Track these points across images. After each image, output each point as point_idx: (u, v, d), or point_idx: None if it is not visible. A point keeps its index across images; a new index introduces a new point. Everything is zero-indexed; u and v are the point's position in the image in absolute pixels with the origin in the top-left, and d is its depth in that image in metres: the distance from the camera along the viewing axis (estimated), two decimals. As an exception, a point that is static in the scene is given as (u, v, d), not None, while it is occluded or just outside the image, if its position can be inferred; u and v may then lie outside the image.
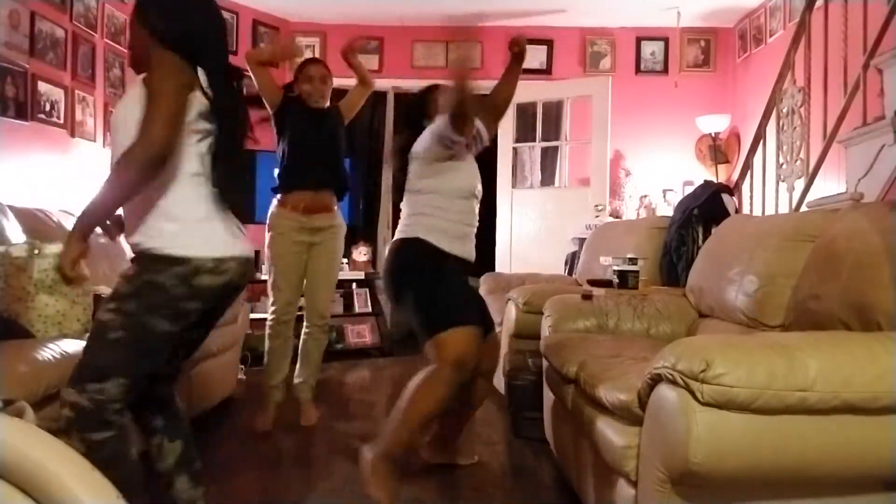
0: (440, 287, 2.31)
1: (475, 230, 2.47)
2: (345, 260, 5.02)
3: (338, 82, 5.90)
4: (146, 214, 1.61)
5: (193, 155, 1.65)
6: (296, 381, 3.20)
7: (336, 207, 3.18)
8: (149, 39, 1.65)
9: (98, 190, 1.58)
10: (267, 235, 3.12)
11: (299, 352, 3.21)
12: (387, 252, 2.50)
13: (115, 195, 1.58)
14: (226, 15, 5.29)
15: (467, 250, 2.43)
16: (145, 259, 1.60)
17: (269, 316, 3.13)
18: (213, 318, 1.78)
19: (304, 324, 3.22)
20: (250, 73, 3.02)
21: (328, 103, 3.22)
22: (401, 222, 2.48)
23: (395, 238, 2.47)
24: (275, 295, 3.11)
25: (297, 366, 3.22)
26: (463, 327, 2.24)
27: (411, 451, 2.36)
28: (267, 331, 3.13)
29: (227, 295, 1.72)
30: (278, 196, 3.12)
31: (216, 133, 1.66)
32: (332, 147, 3.15)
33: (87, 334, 1.68)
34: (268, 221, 3.13)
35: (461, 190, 2.40)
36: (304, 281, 3.15)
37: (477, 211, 2.48)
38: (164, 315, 1.58)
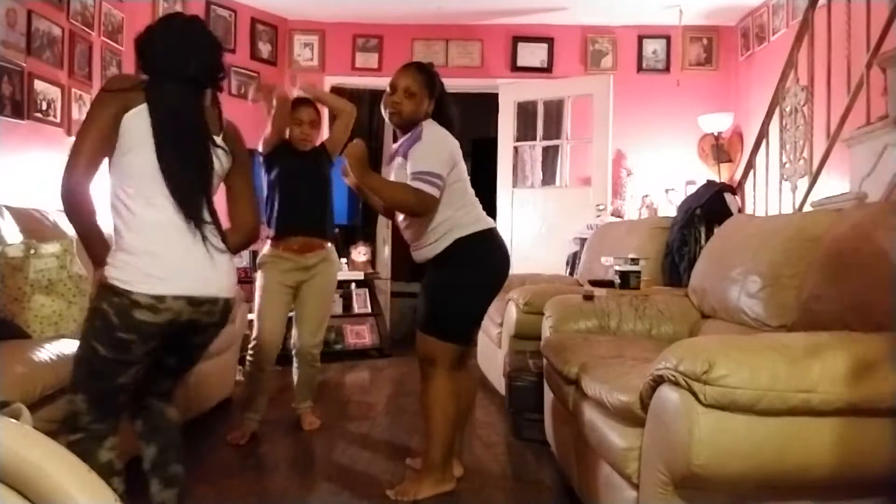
0: None
1: (407, 237, 2.43)
2: (343, 260, 5.01)
3: (338, 80, 5.85)
4: (114, 241, 1.64)
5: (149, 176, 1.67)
6: (294, 403, 3.21)
7: (328, 244, 3.13)
8: None
9: None
10: (258, 274, 3.08)
11: (295, 380, 3.18)
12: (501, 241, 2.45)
13: None
14: (224, 13, 5.28)
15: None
16: (101, 285, 1.60)
17: (249, 350, 3.05)
18: (190, 348, 1.77)
19: (294, 357, 3.15)
20: (275, 107, 3.02)
21: (314, 143, 3.16)
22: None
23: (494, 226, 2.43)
24: (256, 329, 3.03)
25: (295, 391, 3.21)
26: None
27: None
28: (247, 366, 3.05)
29: (187, 331, 1.67)
30: (270, 238, 3.07)
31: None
32: (319, 191, 3.12)
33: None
34: (258, 260, 3.11)
35: None
36: (295, 316, 3.14)
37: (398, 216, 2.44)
38: (102, 341, 1.59)
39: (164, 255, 1.60)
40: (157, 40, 1.69)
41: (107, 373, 1.61)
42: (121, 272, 1.57)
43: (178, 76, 1.66)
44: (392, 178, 2.39)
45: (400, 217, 2.41)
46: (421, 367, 2.38)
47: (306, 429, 3.12)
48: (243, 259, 4.79)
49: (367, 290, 5.47)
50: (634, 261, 3.07)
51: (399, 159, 2.35)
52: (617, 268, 3.07)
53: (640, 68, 5.80)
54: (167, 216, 1.62)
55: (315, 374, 3.21)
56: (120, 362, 1.60)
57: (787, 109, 3.97)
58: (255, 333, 3.02)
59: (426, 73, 2.36)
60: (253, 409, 3.01)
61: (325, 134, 3.42)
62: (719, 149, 5.45)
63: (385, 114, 2.40)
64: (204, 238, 1.64)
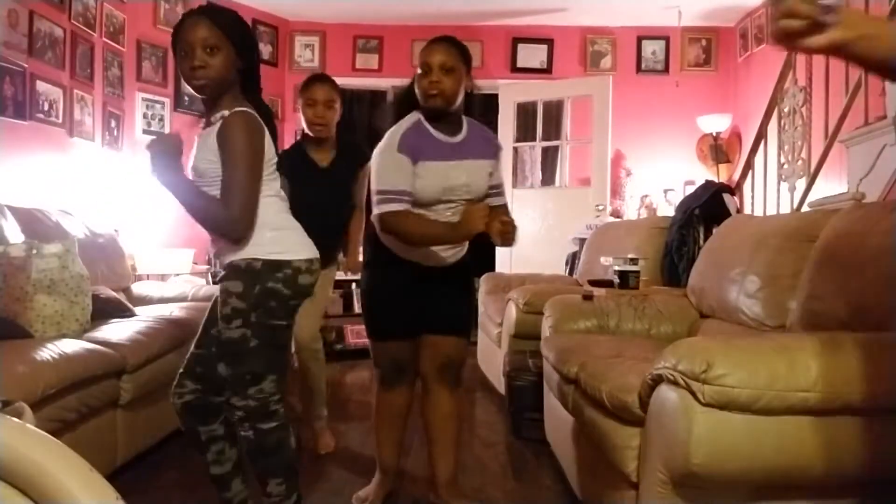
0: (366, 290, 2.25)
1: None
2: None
3: (338, 81, 5.88)
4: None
5: (276, 176, 1.84)
6: (309, 417, 2.93)
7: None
8: (231, 69, 1.76)
9: (193, 191, 1.71)
10: None
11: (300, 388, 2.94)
12: None
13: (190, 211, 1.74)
14: (226, 14, 5.29)
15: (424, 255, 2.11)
16: (250, 271, 1.73)
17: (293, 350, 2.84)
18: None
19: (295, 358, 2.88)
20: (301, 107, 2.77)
21: (332, 132, 2.77)
22: None
23: None
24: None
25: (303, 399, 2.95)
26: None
27: (387, 468, 2.30)
28: (294, 364, 2.89)
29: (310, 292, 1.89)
30: None
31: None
32: (338, 219, 2.76)
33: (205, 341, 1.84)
34: None
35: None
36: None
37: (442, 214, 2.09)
38: (281, 315, 1.78)
39: (300, 228, 1.87)
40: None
41: (286, 342, 1.87)
42: (275, 246, 1.76)
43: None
44: (475, 177, 2.08)
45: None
46: (449, 376, 2.21)
47: (322, 451, 2.81)
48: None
49: (367, 290, 5.47)
50: (633, 261, 3.09)
51: (480, 161, 2.09)
52: (616, 268, 3.08)
53: (639, 69, 5.81)
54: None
55: (322, 370, 2.92)
56: (290, 327, 1.84)
57: (786, 110, 3.98)
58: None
59: (459, 46, 2.06)
60: (316, 413, 2.87)
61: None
62: (718, 149, 5.46)
63: (420, 98, 2.03)
64: None
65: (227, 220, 1.68)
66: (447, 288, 2.18)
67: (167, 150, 1.67)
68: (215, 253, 1.86)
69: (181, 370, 1.90)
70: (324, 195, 2.69)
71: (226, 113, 1.72)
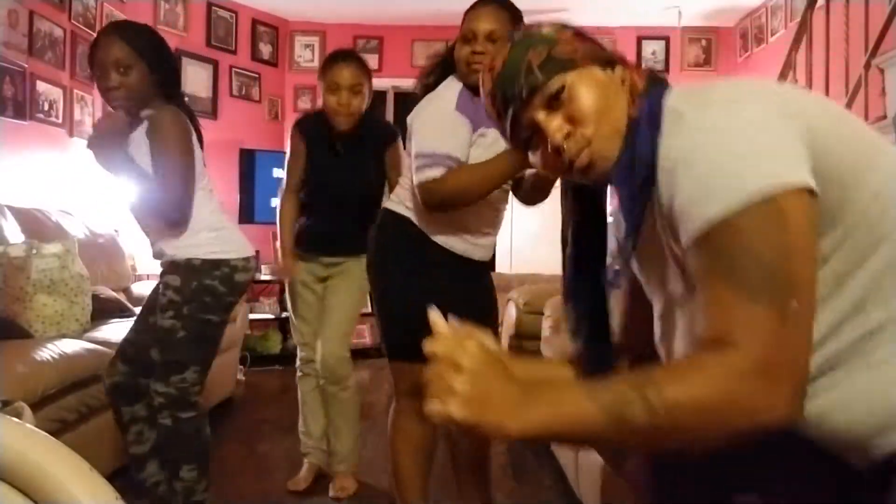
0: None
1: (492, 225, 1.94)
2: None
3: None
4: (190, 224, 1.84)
5: (204, 170, 1.91)
6: (330, 450, 2.50)
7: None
8: (146, 83, 1.81)
9: (141, 172, 1.78)
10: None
11: (323, 421, 2.54)
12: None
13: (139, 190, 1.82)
14: (224, 14, 5.29)
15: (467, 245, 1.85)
16: (189, 268, 1.82)
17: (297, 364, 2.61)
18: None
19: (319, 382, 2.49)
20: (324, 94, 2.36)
21: (358, 117, 2.35)
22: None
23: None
24: (294, 337, 2.61)
25: (329, 438, 2.51)
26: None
27: None
28: (297, 381, 2.61)
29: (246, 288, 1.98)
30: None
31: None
32: (363, 205, 2.37)
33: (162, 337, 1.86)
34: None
35: None
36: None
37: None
38: (215, 311, 1.86)
39: (235, 227, 1.99)
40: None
41: (217, 337, 1.92)
42: (213, 247, 1.84)
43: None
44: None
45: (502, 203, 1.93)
46: None
47: (332, 495, 2.39)
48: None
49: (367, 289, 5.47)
50: (634, 261, 3.08)
51: None
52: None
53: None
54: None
55: (346, 401, 2.44)
56: (225, 323, 1.92)
57: (786, 110, 3.98)
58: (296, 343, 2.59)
59: (511, 10, 1.72)
60: (305, 433, 2.55)
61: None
62: (718, 149, 5.46)
63: (460, 69, 1.72)
64: None
65: (168, 201, 1.76)
66: (481, 292, 1.90)
67: (113, 128, 1.74)
68: (154, 254, 1.92)
69: (115, 352, 1.99)
70: (341, 178, 2.38)
71: (152, 112, 1.80)
